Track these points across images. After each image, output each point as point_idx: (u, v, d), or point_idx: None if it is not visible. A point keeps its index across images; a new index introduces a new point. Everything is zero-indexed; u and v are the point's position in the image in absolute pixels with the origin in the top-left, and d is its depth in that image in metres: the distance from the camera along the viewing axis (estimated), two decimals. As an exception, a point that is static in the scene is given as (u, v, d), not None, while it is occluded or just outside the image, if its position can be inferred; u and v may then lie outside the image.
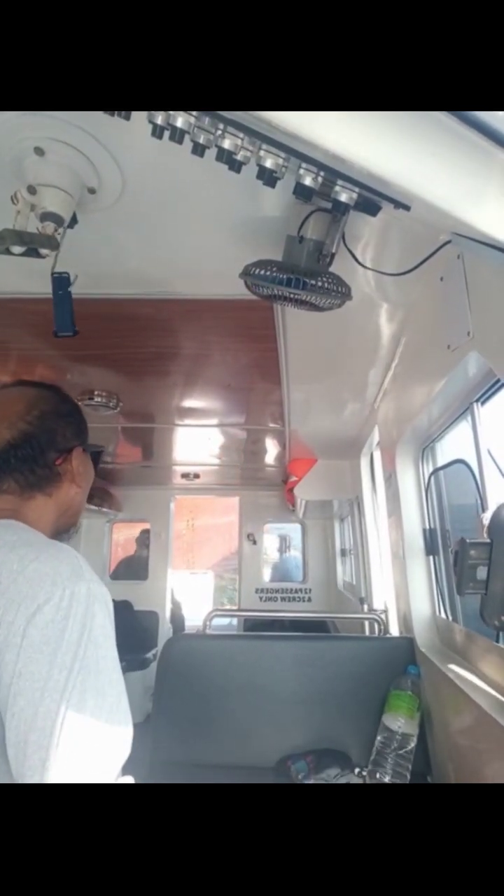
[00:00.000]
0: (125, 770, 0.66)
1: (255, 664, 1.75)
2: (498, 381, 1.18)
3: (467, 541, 0.86)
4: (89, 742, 0.58)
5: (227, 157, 0.78)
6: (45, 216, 0.91)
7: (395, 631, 2.03)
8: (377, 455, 2.40)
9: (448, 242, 0.97)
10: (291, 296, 1.01)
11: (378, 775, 1.50)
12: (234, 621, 4.75)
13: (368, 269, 1.17)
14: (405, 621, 1.82)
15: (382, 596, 2.50)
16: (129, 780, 0.64)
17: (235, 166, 0.80)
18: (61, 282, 1.06)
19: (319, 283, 0.98)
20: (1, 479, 0.80)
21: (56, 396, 0.90)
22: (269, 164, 0.78)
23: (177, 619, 4.84)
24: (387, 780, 1.47)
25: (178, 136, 0.75)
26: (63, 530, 0.89)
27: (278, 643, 1.82)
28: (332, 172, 0.79)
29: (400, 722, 1.53)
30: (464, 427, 1.44)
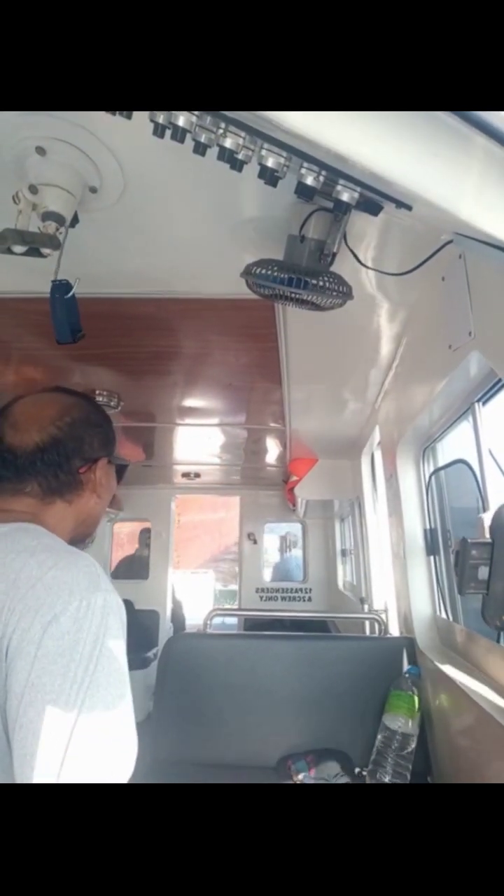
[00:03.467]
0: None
1: (256, 664, 1.75)
2: (499, 380, 1.18)
3: (469, 540, 0.86)
4: (94, 761, 0.58)
5: (228, 157, 0.78)
6: (47, 215, 0.91)
7: (395, 631, 2.03)
8: (378, 455, 2.40)
9: (450, 242, 0.97)
10: (292, 295, 1.01)
11: (378, 775, 1.50)
12: (235, 621, 4.75)
13: (370, 268, 1.17)
14: (405, 621, 1.82)
15: (383, 596, 2.50)
16: None
17: (237, 165, 0.80)
18: (59, 289, 1.05)
19: (320, 283, 0.98)
20: (25, 480, 0.80)
21: (89, 406, 0.91)
22: (270, 163, 0.78)
23: (177, 619, 4.84)
24: (387, 780, 1.47)
25: (179, 135, 0.75)
26: (79, 539, 0.89)
27: (279, 643, 1.82)
28: (334, 172, 0.79)
29: (400, 722, 1.52)
30: (465, 427, 1.43)
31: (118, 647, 0.64)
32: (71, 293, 1.06)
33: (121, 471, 0.97)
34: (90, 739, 0.58)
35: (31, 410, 0.85)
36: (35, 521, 0.78)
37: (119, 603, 0.68)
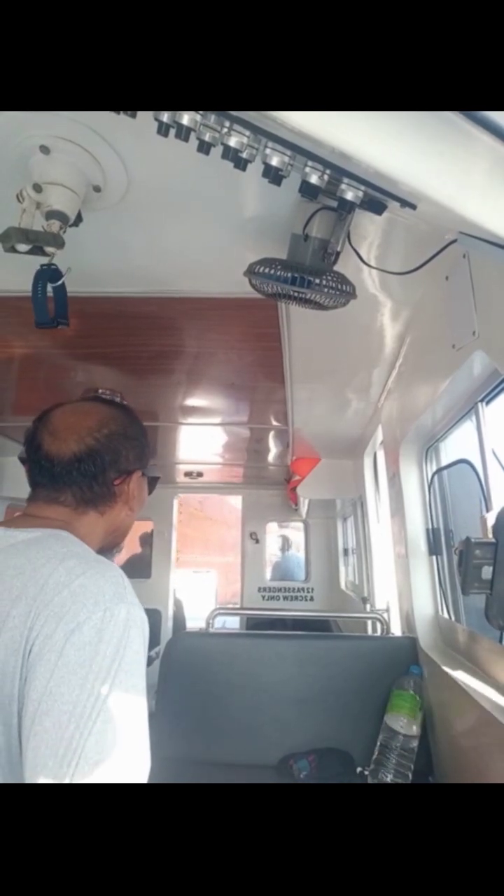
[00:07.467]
0: None
1: (258, 663, 1.75)
2: (503, 380, 1.18)
3: (472, 540, 0.86)
4: (104, 776, 0.57)
5: (232, 155, 0.78)
6: (51, 214, 0.91)
7: (397, 631, 2.03)
8: (381, 454, 2.40)
9: (454, 241, 0.97)
10: (296, 294, 1.00)
11: (380, 775, 1.49)
12: (237, 620, 4.75)
13: (373, 267, 1.16)
14: (408, 621, 1.82)
15: (385, 595, 2.49)
16: None
17: (241, 164, 0.80)
18: (42, 274, 1.04)
19: (324, 282, 0.98)
20: (60, 489, 0.81)
21: (126, 418, 0.90)
22: (274, 162, 0.78)
23: (177, 620, 4.83)
24: (389, 779, 1.47)
25: (183, 133, 0.75)
26: (107, 549, 0.90)
27: (281, 642, 1.82)
28: (339, 170, 0.79)
29: (402, 722, 1.52)
30: (468, 427, 1.43)
31: (137, 661, 0.64)
32: (60, 281, 1.05)
33: (153, 483, 0.98)
34: (101, 754, 0.57)
35: (70, 419, 0.85)
36: (67, 529, 0.78)
37: (143, 617, 0.68)
